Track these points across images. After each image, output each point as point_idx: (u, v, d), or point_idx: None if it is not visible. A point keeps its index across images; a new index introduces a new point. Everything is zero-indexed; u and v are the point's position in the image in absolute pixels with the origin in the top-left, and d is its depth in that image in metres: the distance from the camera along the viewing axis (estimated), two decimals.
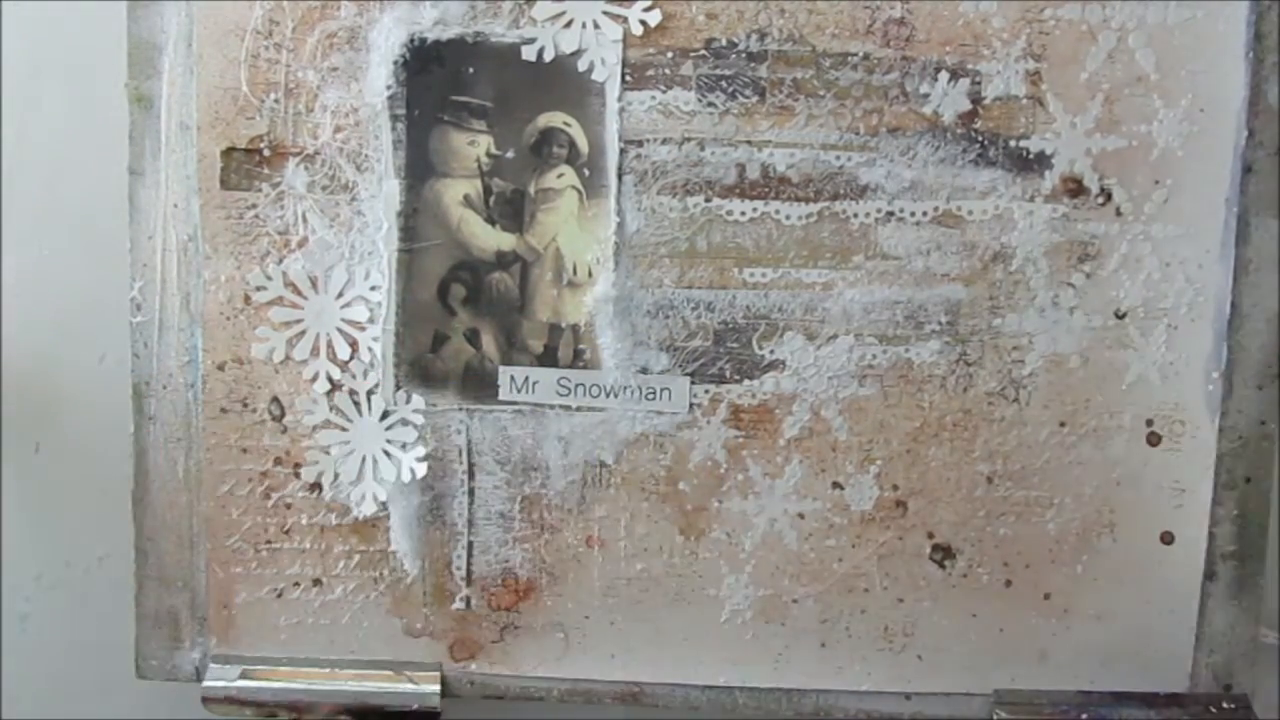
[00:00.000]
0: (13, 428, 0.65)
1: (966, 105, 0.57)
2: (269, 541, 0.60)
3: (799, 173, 0.58)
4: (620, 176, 0.58)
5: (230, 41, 0.57)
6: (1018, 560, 0.60)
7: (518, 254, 0.59)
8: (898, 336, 0.59)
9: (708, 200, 0.58)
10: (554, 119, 0.58)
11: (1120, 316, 0.59)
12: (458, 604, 0.61)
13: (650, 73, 0.57)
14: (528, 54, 0.57)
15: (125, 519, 0.60)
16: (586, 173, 0.58)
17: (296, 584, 0.60)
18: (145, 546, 0.60)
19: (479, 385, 0.59)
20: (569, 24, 0.57)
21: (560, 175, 0.58)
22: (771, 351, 0.59)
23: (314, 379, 0.59)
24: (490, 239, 0.58)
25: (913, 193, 0.58)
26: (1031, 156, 0.58)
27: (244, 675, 0.60)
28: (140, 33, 0.58)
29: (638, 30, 0.57)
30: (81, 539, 0.66)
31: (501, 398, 0.59)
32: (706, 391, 0.59)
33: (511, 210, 0.58)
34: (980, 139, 0.58)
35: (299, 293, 0.58)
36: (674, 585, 0.61)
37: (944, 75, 0.57)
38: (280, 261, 0.58)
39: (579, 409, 0.59)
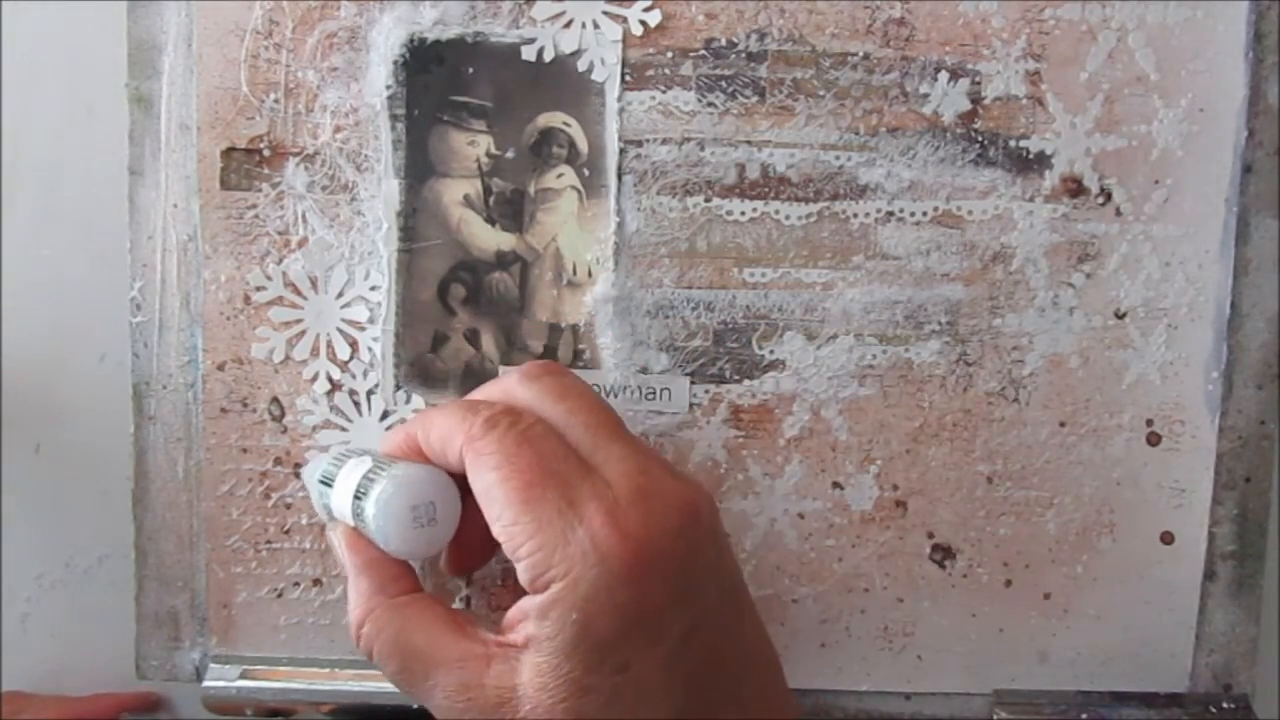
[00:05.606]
0: (13, 428, 0.65)
1: (966, 105, 0.57)
2: (269, 541, 0.60)
3: (799, 173, 0.58)
4: (620, 176, 0.58)
5: (230, 41, 0.57)
6: (1018, 560, 0.60)
7: (517, 254, 0.59)
8: (898, 336, 0.59)
9: (707, 200, 0.58)
10: (554, 119, 0.58)
11: (1120, 316, 0.59)
12: (457, 604, 0.61)
13: (650, 73, 0.57)
14: (527, 54, 0.57)
15: (125, 519, 0.60)
16: (586, 173, 0.58)
17: (297, 584, 0.60)
18: (145, 546, 0.60)
19: (479, 385, 0.59)
20: (569, 24, 0.57)
21: (560, 175, 0.58)
22: (771, 351, 0.59)
23: (314, 379, 0.59)
24: (490, 239, 0.58)
25: (912, 193, 0.58)
26: (1031, 156, 0.58)
27: (244, 675, 0.60)
28: (140, 33, 0.58)
29: (637, 30, 0.57)
30: (81, 539, 0.66)
31: None
32: (706, 391, 0.59)
33: (511, 210, 0.58)
34: (980, 139, 0.58)
35: (299, 293, 0.58)
36: None
37: (944, 75, 0.57)
38: (280, 261, 0.58)
39: None
